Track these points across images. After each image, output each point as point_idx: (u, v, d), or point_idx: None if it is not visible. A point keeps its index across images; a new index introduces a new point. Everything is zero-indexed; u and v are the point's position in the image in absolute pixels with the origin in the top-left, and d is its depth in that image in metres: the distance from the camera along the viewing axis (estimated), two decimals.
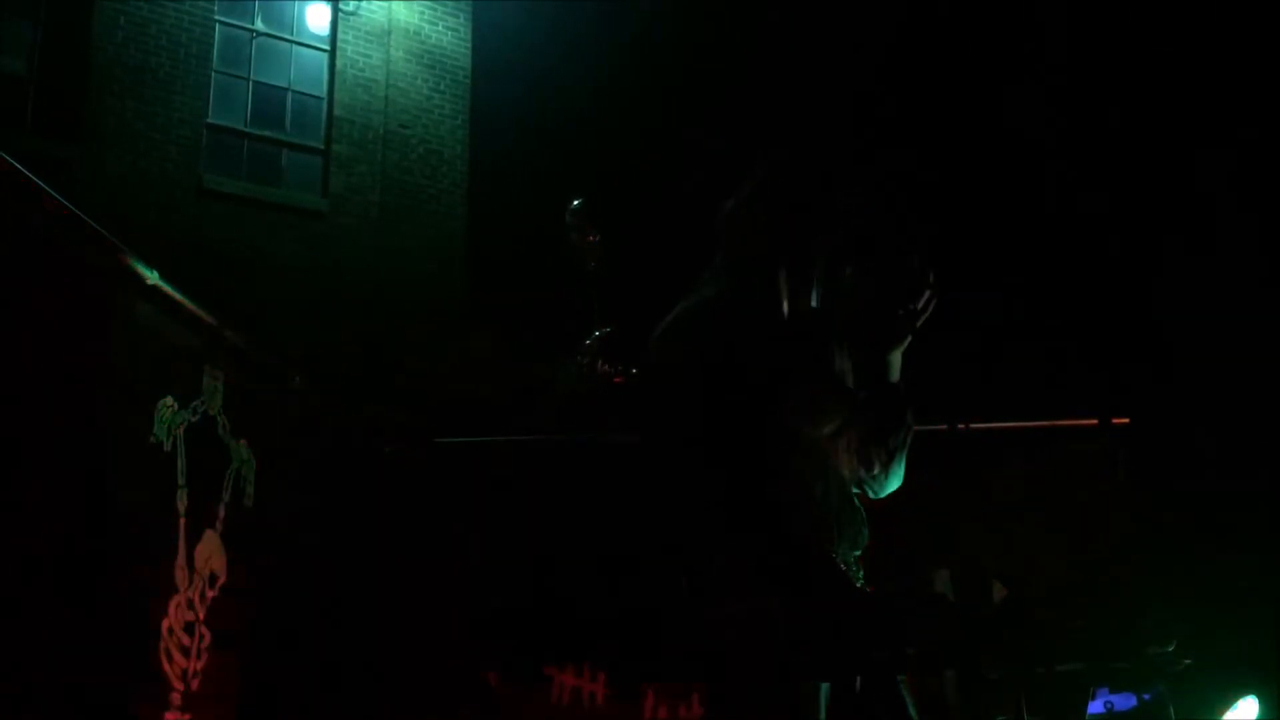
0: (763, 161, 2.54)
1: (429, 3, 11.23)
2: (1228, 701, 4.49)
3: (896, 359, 2.46)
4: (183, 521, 3.89)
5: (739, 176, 2.61)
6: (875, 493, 2.56)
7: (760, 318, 2.43)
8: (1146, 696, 3.94)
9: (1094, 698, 4.00)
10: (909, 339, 2.43)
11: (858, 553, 2.50)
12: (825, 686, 2.26)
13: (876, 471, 2.52)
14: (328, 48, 10.81)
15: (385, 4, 10.99)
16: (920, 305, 2.39)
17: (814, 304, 2.47)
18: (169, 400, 3.86)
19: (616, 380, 5.98)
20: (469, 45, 11.38)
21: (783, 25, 11.06)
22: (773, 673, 2.22)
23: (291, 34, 10.75)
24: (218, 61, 10.25)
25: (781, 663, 2.20)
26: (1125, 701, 4.00)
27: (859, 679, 2.30)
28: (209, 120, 10.08)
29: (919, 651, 2.21)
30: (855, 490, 2.53)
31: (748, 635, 2.25)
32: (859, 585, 2.46)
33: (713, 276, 2.52)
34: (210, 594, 4.06)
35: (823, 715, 2.24)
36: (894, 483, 2.55)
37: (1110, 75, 9.07)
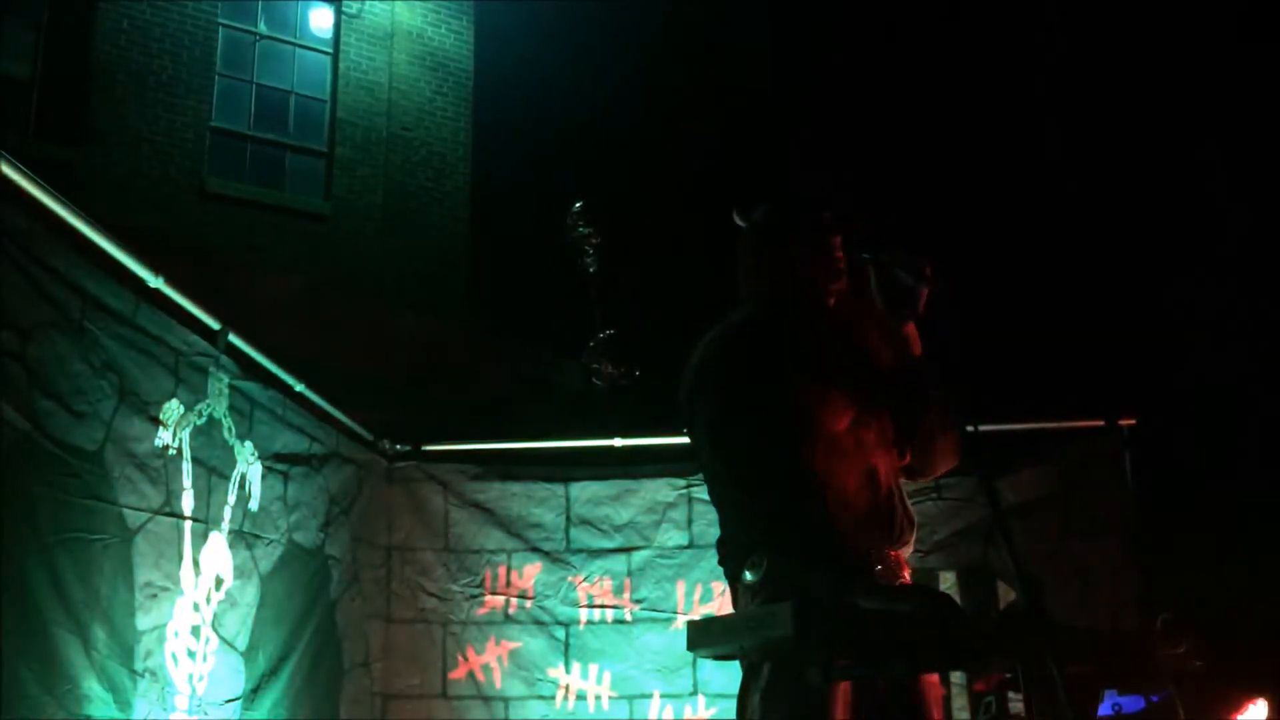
0: (756, 212, 2.64)
1: (432, 5, 11.22)
2: (1236, 704, 4.47)
3: (913, 333, 2.52)
4: (188, 524, 3.88)
5: (751, 190, 2.68)
6: (921, 476, 2.62)
7: (793, 330, 2.52)
8: (1155, 698, 3.93)
9: (1102, 699, 3.99)
10: (917, 308, 2.46)
11: (908, 551, 2.53)
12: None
13: (917, 457, 2.58)
14: (330, 50, 10.80)
15: (388, 7, 10.99)
16: (919, 274, 2.43)
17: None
18: (174, 403, 3.85)
19: (620, 381, 5.99)
20: (471, 48, 11.38)
21: (786, 27, 11.05)
22: (795, 673, 2.22)
23: (294, 37, 10.75)
24: (221, 64, 10.25)
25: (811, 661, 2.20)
26: (1134, 703, 3.98)
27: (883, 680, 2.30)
28: (212, 123, 10.08)
29: (926, 653, 2.21)
30: (904, 483, 2.57)
31: (757, 637, 2.25)
32: (898, 584, 2.47)
33: (742, 306, 2.60)
34: (216, 597, 4.06)
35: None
36: (942, 466, 2.61)
37: (1114, 75, 9.06)
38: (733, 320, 2.59)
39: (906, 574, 2.53)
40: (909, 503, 2.57)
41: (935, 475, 2.64)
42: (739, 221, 2.67)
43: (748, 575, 2.39)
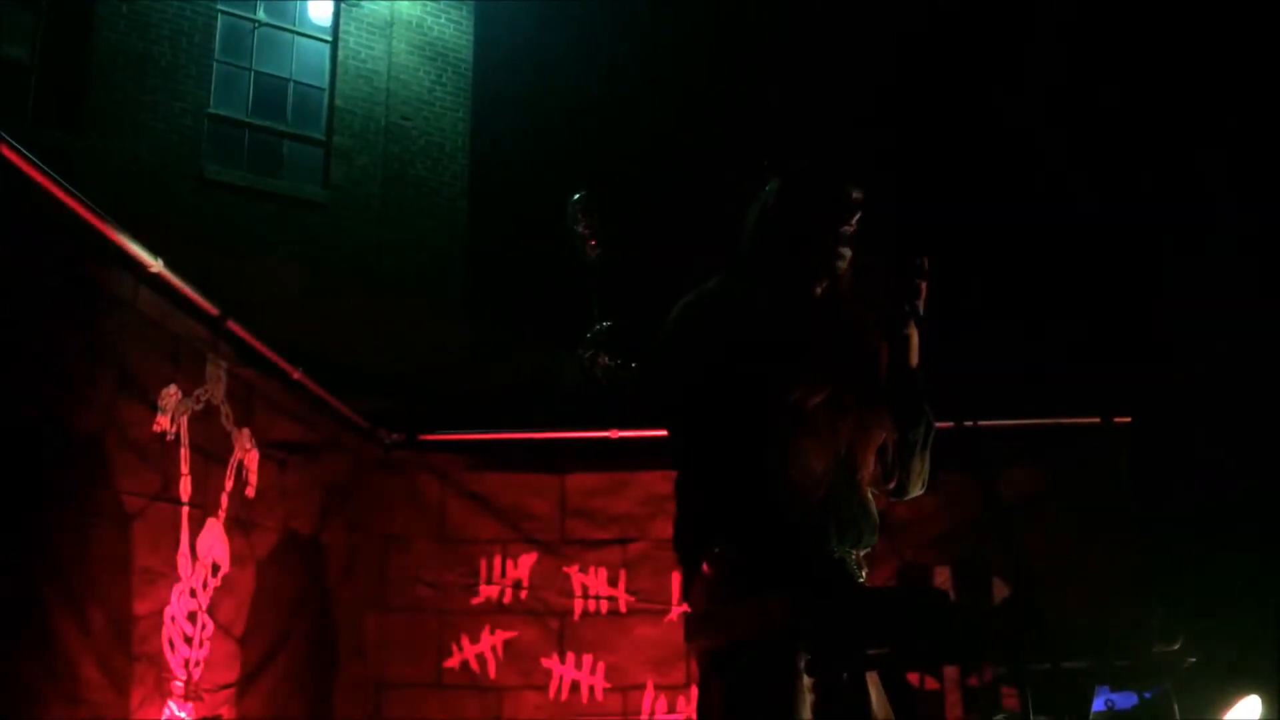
0: (782, 171, 2.55)
1: None
2: (1229, 700, 4.50)
3: (914, 338, 2.41)
4: (185, 510, 3.88)
5: (747, 177, 2.63)
6: (898, 495, 2.51)
7: (768, 303, 2.44)
8: (1148, 695, 3.94)
9: (1095, 695, 3.99)
10: (916, 314, 2.37)
11: (864, 551, 2.49)
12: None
13: (897, 472, 2.47)
14: (330, 39, 10.78)
15: None
16: (917, 268, 2.35)
17: (831, 293, 2.48)
18: (172, 388, 3.85)
19: (617, 373, 5.98)
20: (471, 37, 11.36)
21: (788, 20, 11.05)
22: (773, 667, 2.21)
23: (294, 24, 10.73)
24: (220, 51, 10.23)
25: (782, 657, 2.19)
26: (1126, 700, 3.99)
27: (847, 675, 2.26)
28: (211, 110, 10.06)
29: (919, 648, 2.21)
30: (874, 491, 2.52)
31: (750, 629, 2.25)
32: (857, 581, 2.45)
33: (727, 272, 2.53)
34: (212, 583, 4.06)
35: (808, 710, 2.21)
36: (916, 486, 2.49)
37: (1112, 72, 9.06)
38: (704, 289, 2.48)
39: (864, 574, 2.49)
40: (873, 505, 2.48)
41: (906, 496, 2.50)
42: (766, 169, 2.54)
43: (705, 567, 2.36)
